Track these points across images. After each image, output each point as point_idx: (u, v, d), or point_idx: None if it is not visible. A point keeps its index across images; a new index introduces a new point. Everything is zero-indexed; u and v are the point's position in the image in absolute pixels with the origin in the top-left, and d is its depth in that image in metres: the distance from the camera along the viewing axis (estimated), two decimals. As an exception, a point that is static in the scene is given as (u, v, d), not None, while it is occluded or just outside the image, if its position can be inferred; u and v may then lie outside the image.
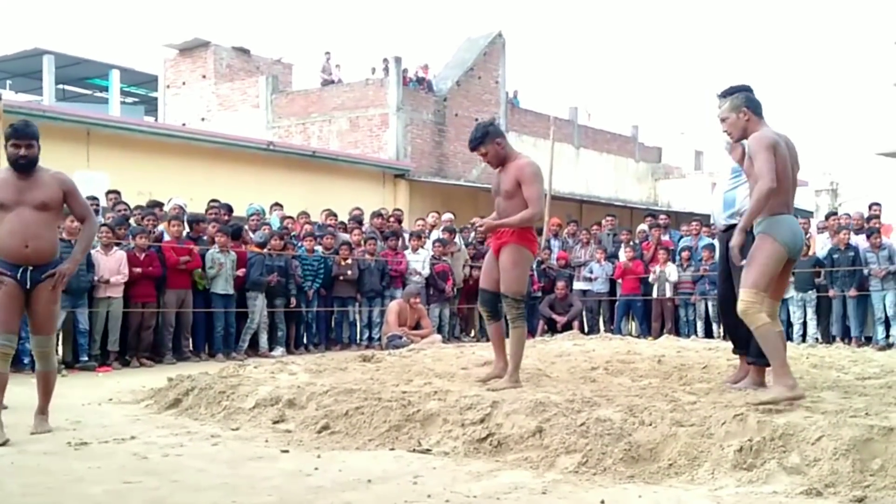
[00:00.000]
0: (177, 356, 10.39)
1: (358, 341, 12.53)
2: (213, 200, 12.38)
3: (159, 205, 11.82)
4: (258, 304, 11.13)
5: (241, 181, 16.78)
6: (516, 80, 40.85)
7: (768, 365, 5.78)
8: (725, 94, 5.86)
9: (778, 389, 4.83)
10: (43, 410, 5.59)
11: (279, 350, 11.30)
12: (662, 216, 15.66)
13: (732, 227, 5.72)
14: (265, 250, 11.37)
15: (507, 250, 6.09)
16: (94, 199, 11.68)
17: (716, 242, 13.65)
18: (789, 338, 12.22)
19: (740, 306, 5.03)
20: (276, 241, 11.43)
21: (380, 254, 12.77)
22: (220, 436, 5.33)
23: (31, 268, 5.29)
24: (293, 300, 11.55)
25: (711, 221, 6.12)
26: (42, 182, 5.38)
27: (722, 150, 6.04)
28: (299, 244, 12.10)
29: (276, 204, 13.72)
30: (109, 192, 12.20)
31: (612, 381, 6.42)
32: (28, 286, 5.29)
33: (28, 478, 4.20)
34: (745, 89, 5.72)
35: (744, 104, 5.29)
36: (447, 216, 14.72)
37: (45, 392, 5.63)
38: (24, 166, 5.30)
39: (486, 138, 6.07)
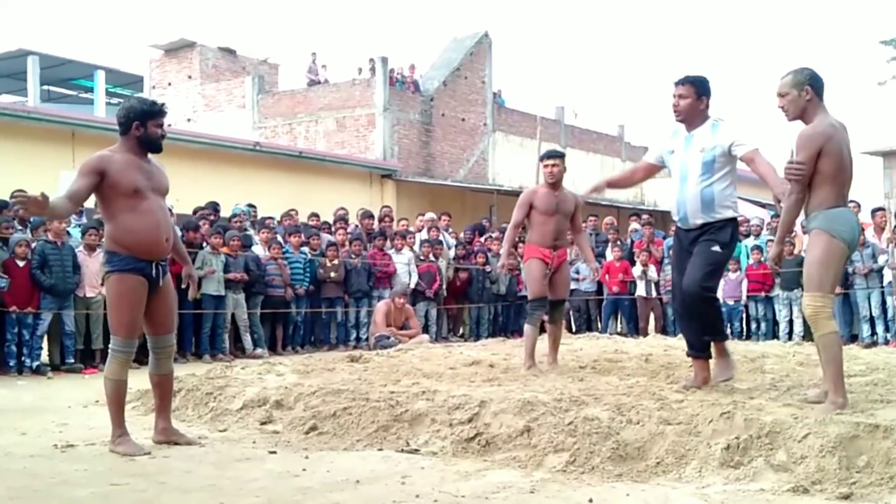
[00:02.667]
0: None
1: (345, 342, 12.51)
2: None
3: None
4: (227, 304, 11.05)
5: (227, 182, 16.73)
6: (503, 80, 40.90)
7: (710, 356, 5.72)
8: (688, 83, 5.52)
9: (828, 406, 4.66)
10: (169, 419, 5.18)
11: (259, 349, 11.25)
12: (645, 215, 15.70)
13: (706, 224, 5.50)
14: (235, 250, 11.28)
15: (567, 265, 7.51)
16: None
17: (671, 239, 13.70)
18: (775, 336, 12.29)
19: (807, 311, 4.81)
20: (235, 242, 11.31)
21: (367, 254, 12.75)
22: (207, 437, 5.31)
23: (161, 263, 4.93)
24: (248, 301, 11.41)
25: (675, 218, 5.73)
26: (157, 166, 4.99)
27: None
28: (285, 245, 12.06)
29: (250, 205, 13.61)
30: None
31: (600, 379, 6.43)
32: (159, 283, 4.92)
33: (14, 481, 4.18)
34: (708, 80, 5.53)
35: (808, 82, 4.84)
36: (429, 216, 14.71)
37: (171, 397, 5.28)
38: (161, 149, 4.95)
39: (564, 157, 7.39)
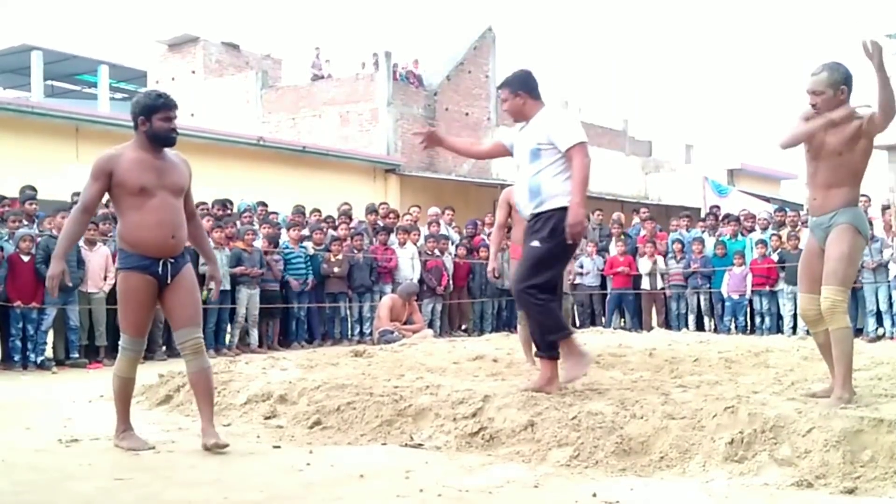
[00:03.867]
0: (168, 352, 10.36)
1: (349, 336, 12.52)
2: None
3: None
4: (241, 298, 11.08)
5: (231, 177, 16.73)
6: (506, 75, 40.68)
7: (558, 358, 5.40)
8: (503, 86, 5.48)
9: (834, 401, 4.65)
10: (211, 420, 4.84)
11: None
12: (643, 209, 15.69)
13: (537, 216, 5.31)
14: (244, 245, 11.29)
15: None
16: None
17: (675, 233, 13.74)
18: (780, 330, 12.28)
19: (826, 304, 4.74)
20: (249, 237, 11.31)
21: (369, 249, 12.75)
22: (211, 432, 5.31)
23: (171, 260, 4.79)
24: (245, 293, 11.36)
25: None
26: (174, 163, 4.89)
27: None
28: (285, 241, 12.06)
29: (262, 203, 13.60)
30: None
31: (604, 374, 6.43)
32: (168, 280, 4.79)
33: (19, 475, 4.19)
34: (526, 74, 5.46)
35: (843, 81, 4.73)
36: (433, 210, 14.70)
37: (209, 396, 4.90)
38: (174, 142, 4.86)
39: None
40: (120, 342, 4.94)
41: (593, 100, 69.81)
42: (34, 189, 10.80)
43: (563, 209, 5.23)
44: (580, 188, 5.18)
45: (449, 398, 5.14)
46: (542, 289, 5.29)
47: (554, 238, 5.25)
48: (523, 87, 5.46)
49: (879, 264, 11.73)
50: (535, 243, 5.27)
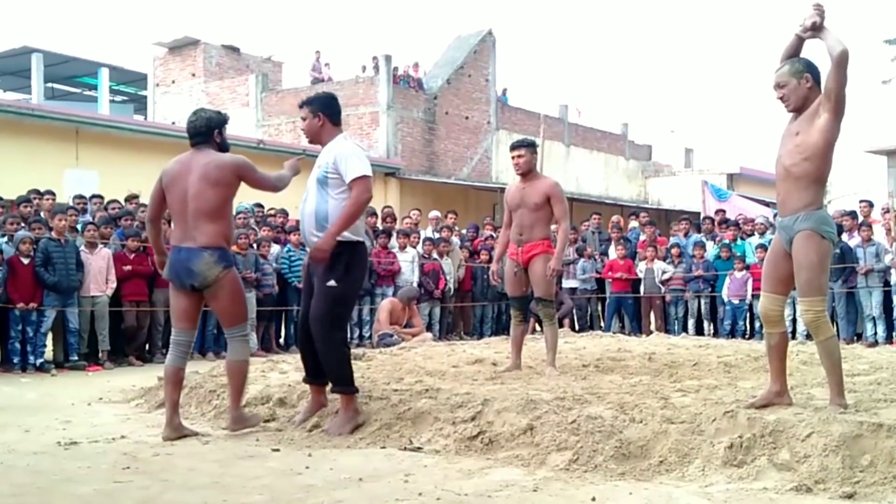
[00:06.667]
0: (167, 355, 10.31)
1: (349, 339, 12.45)
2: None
3: (136, 198, 11.69)
4: None
5: (231, 180, 16.70)
6: (506, 78, 40.88)
7: (356, 391, 5.33)
8: (305, 104, 5.45)
9: (833, 408, 4.62)
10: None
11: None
12: (643, 214, 15.69)
13: None
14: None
15: (541, 261, 6.91)
16: (84, 198, 11.60)
17: (674, 238, 13.81)
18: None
19: (808, 316, 4.71)
20: (243, 240, 11.27)
21: (371, 252, 12.71)
22: (210, 435, 5.32)
23: None
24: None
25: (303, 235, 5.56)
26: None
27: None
28: (287, 244, 12.05)
29: (257, 204, 13.56)
30: (94, 196, 12.04)
31: (603, 378, 6.44)
32: None
33: (18, 478, 4.19)
34: (331, 98, 5.48)
35: (806, 70, 4.75)
36: (434, 214, 14.68)
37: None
38: None
39: (533, 145, 7.16)
40: (239, 332, 5.35)
41: (593, 103, 69.85)
42: (39, 193, 10.80)
43: (353, 244, 5.22)
44: (344, 218, 5.15)
45: (448, 402, 5.15)
46: (340, 327, 5.36)
47: (350, 275, 5.22)
48: (325, 110, 5.42)
49: (872, 269, 11.66)
50: (333, 283, 5.14)
